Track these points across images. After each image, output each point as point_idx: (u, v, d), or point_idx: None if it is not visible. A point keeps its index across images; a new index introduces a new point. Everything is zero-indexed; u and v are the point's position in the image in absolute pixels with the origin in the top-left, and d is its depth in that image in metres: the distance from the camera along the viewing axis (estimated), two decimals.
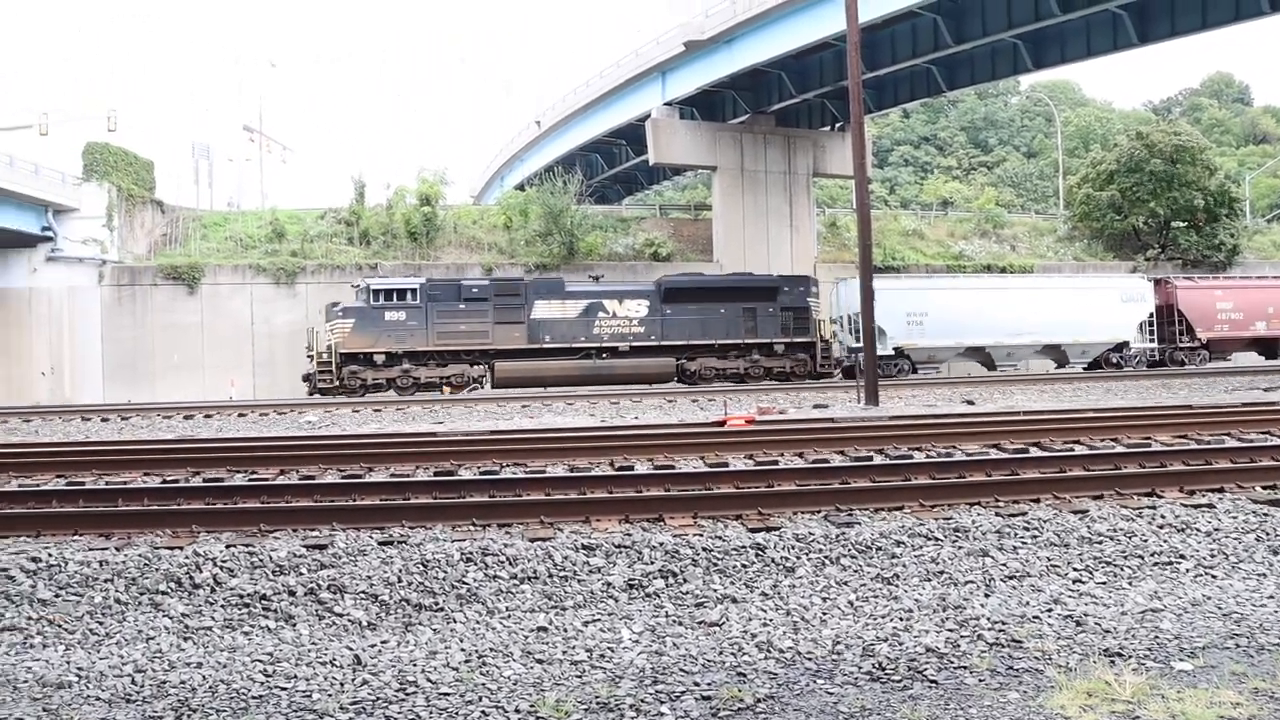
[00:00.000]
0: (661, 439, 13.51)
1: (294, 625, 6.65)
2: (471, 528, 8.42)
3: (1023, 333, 35.81)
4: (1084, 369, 37.08)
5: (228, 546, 7.91)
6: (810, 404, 23.53)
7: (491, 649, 5.98)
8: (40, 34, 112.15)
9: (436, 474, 11.50)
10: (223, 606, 6.98)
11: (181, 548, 7.91)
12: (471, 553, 7.48)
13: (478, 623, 6.58)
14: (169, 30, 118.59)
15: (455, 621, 6.62)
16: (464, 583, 7.12)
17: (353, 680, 5.51)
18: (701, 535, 7.94)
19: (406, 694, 5.27)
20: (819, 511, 8.80)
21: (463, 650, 5.96)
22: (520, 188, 53.29)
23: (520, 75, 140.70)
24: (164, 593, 7.21)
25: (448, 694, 5.24)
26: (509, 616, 6.67)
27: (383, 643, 6.21)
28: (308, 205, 45.30)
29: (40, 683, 5.75)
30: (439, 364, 31.52)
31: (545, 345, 31.87)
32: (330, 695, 5.28)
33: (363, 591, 7.02)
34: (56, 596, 7.25)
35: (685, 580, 7.17)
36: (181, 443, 15.87)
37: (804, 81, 40.69)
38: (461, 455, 12.62)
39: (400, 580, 7.15)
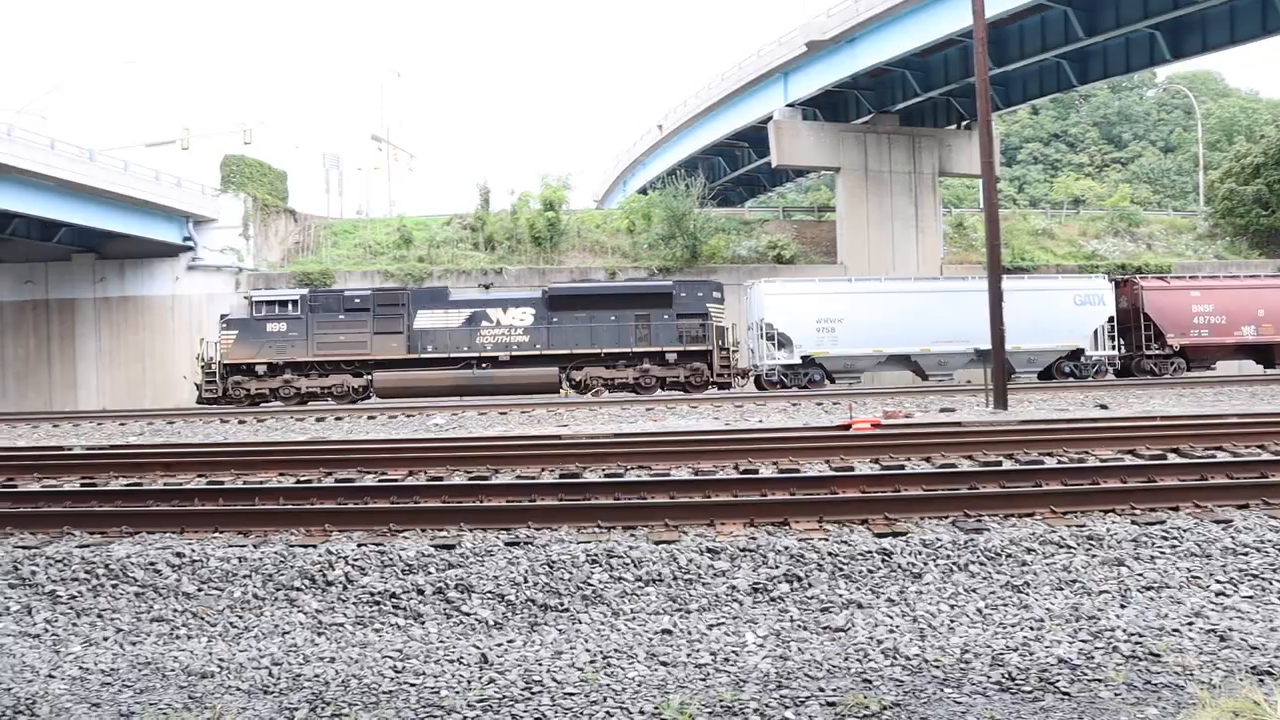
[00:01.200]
0: (786, 442, 13.42)
1: (423, 623, 6.78)
2: (597, 529, 8.48)
3: (954, 339, 32.63)
4: (1038, 378, 33.90)
5: (359, 545, 8.10)
6: (937, 408, 23.11)
7: (616, 650, 6.00)
8: (181, 55, 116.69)
9: (562, 476, 11.60)
10: (354, 604, 7.16)
11: (315, 546, 8.14)
12: (596, 554, 7.53)
13: (602, 624, 6.61)
14: (301, 46, 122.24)
15: (580, 622, 6.67)
16: (589, 584, 7.17)
17: (479, 678, 5.60)
18: (827, 540, 7.85)
19: (532, 693, 5.33)
20: (946, 517, 8.62)
21: (588, 651, 6.00)
22: (643, 191, 53.51)
23: (642, 79, 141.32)
24: (299, 589, 7.43)
25: (572, 694, 5.28)
26: (633, 618, 6.70)
27: (509, 642, 6.29)
28: (434, 211, 46.24)
29: (186, 671, 5.98)
30: (320, 374, 31.99)
31: (425, 355, 31.87)
32: (458, 692, 5.37)
33: (489, 591, 7.13)
34: (199, 590, 7.53)
35: (810, 585, 7.11)
36: (313, 444, 16.33)
37: (928, 79, 40.04)
38: (586, 458, 12.71)
39: (526, 581, 7.23)
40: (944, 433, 14.18)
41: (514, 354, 31.85)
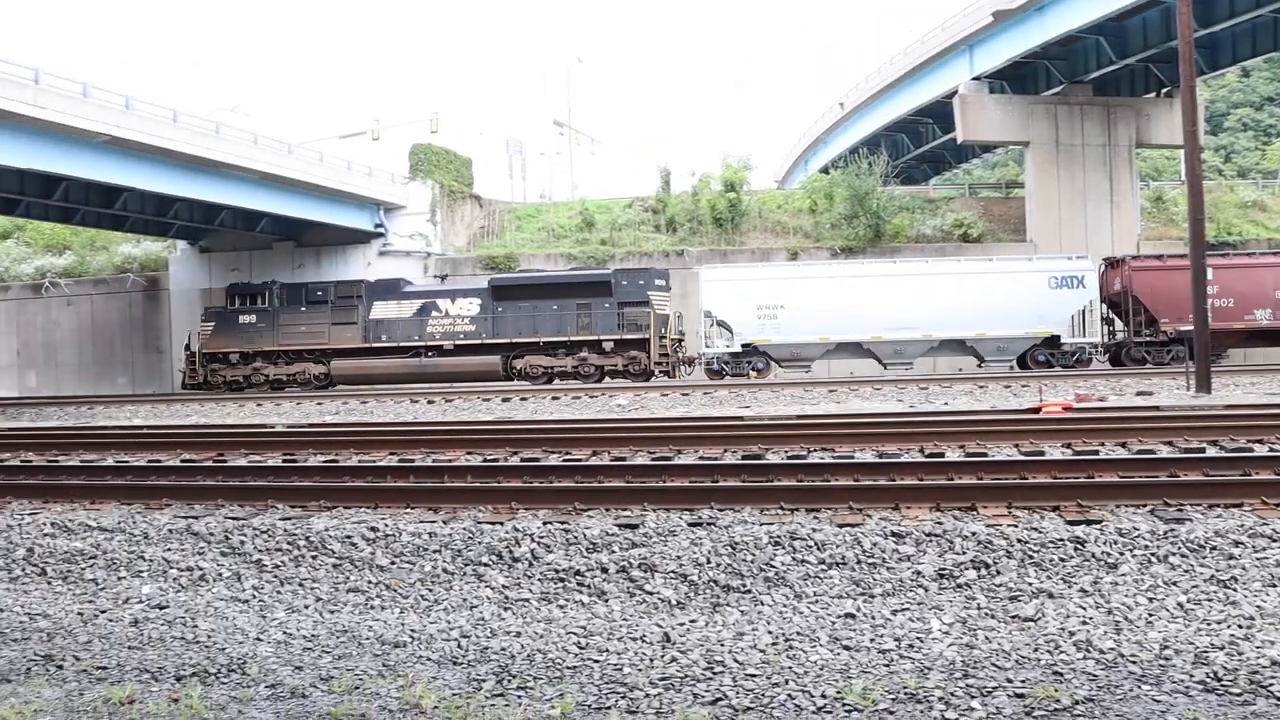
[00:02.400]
0: (972, 425, 13.09)
1: (606, 601, 6.89)
2: (779, 511, 8.44)
3: (910, 326, 31.09)
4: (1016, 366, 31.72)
5: (544, 523, 8.27)
6: (1133, 391, 22.16)
7: (798, 633, 5.97)
8: (370, 49, 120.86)
9: (744, 457, 11.59)
10: (540, 580, 7.32)
11: (502, 523, 8.35)
12: (779, 536, 7.49)
13: (785, 606, 6.59)
14: (484, 35, 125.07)
15: (762, 604, 6.66)
16: (771, 566, 7.15)
17: (662, 657, 5.64)
18: (1016, 526, 7.62)
19: (714, 673, 5.34)
20: (1144, 505, 8.24)
21: (769, 633, 5.99)
22: (825, 170, 52.86)
23: (823, 55, 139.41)
24: (486, 565, 7.64)
25: (754, 675, 5.27)
26: (816, 601, 6.65)
27: (691, 622, 6.33)
28: (615, 195, 46.74)
29: (379, 640, 6.23)
30: (287, 363, 34.21)
31: (379, 345, 33.36)
32: (640, 670, 5.43)
33: (672, 571, 7.18)
34: (392, 564, 7.83)
35: (998, 572, 6.91)
36: (500, 424, 16.76)
37: (1124, 45, 38.12)
38: (768, 439, 12.67)
39: (709, 561, 7.26)
40: (1140, 417, 13.56)
41: (458, 343, 33.08)
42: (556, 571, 7.36)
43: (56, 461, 13.99)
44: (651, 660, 5.60)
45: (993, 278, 31.49)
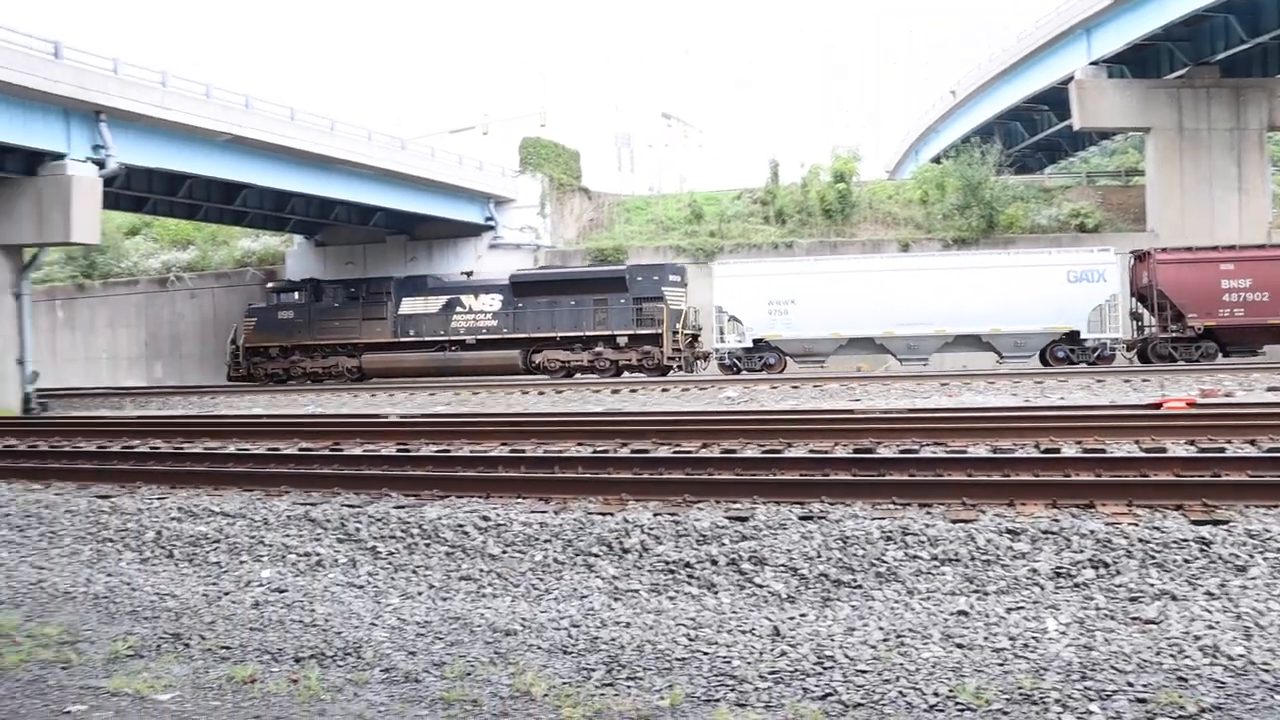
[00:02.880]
0: (1089, 420, 12.77)
1: (715, 593, 6.87)
2: (891, 506, 8.34)
3: (923, 322, 30.23)
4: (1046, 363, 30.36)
5: (655, 515, 8.30)
6: (1263, 386, 21.35)
7: (910, 629, 5.89)
8: (479, 44, 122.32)
9: (855, 451, 11.48)
10: (649, 571, 7.34)
11: (612, 514, 8.39)
12: (891, 531, 7.40)
13: (896, 602, 6.50)
14: (591, 29, 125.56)
15: (873, 599, 6.58)
16: (883, 561, 7.07)
17: (771, 650, 5.61)
18: (1137, 525, 7.40)
19: (824, 668, 5.30)
20: (1276, 506, 7.95)
21: (880, 629, 5.91)
22: (936, 160, 51.92)
23: (932, 43, 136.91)
24: (596, 555, 7.69)
25: (865, 671, 5.21)
26: (928, 598, 6.55)
27: (801, 616, 6.29)
28: (723, 186, 46.54)
29: (491, 628, 6.31)
30: (322, 356, 35.66)
31: (407, 339, 34.64)
32: (749, 663, 5.41)
33: (782, 564, 7.14)
34: (504, 552, 7.93)
35: (1118, 572, 6.72)
36: (610, 415, 16.85)
37: (1256, 22, 36.42)
38: (879, 433, 12.52)
39: (819, 555, 7.20)
40: (1271, 414, 13.07)
41: (480, 338, 34.03)
42: (666, 563, 7.38)
43: (182, 449, 14.47)
44: (761, 653, 5.58)
45: (1008, 272, 30.62)
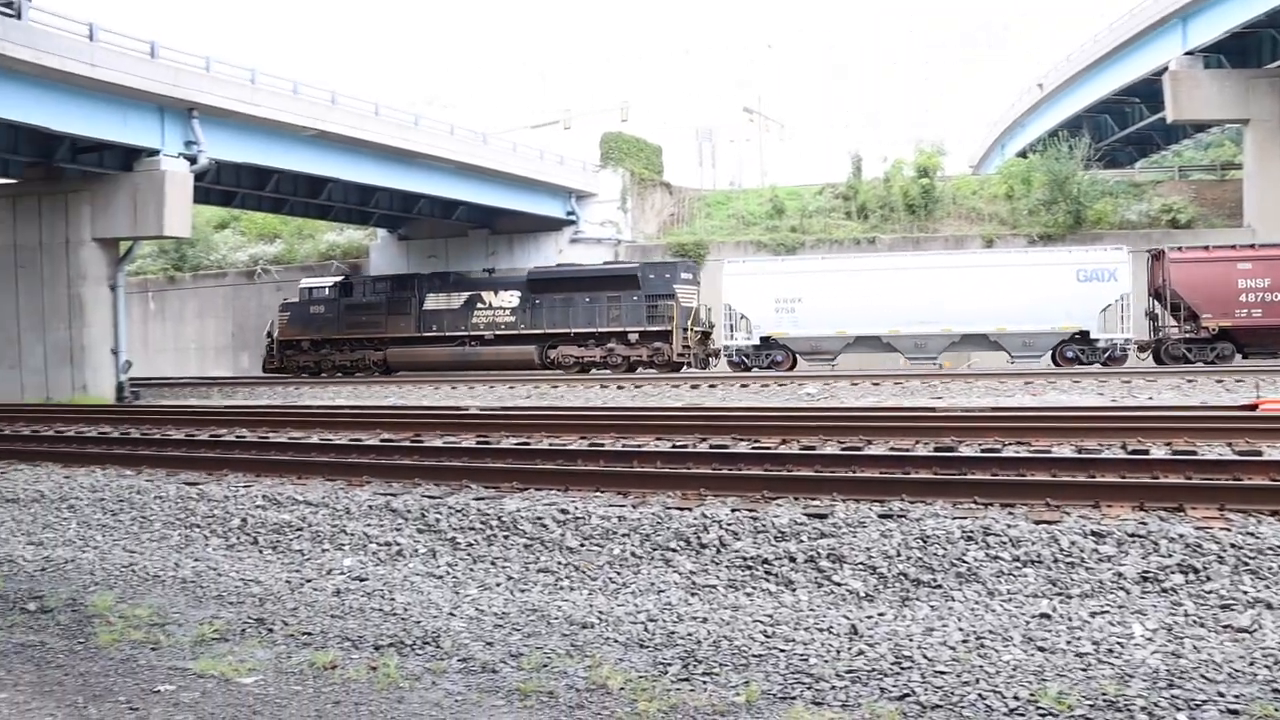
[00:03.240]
0: (1179, 421, 12.47)
1: (793, 590, 6.83)
2: (973, 506, 8.21)
3: (929, 320, 30.04)
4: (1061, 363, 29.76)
5: (733, 510, 8.27)
6: None
7: (990, 631, 5.79)
8: (561, 39, 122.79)
9: (936, 449, 11.33)
10: (727, 567, 7.31)
11: (690, 509, 8.38)
12: (972, 531, 7.29)
13: (976, 603, 6.40)
14: (673, 23, 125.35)
15: (953, 600, 6.49)
16: (963, 561, 6.96)
17: (849, 649, 5.56)
18: (1229, 530, 7.20)
19: (901, 668, 5.23)
20: None
21: (960, 630, 5.83)
22: (1022, 155, 51.05)
23: (1019, 34, 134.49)
24: (674, 550, 7.68)
25: (943, 672, 5.14)
26: (1010, 599, 6.44)
27: (879, 615, 6.22)
28: (805, 181, 46.27)
29: (568, 620, 6.33)
30: (350, 349, 36.92)
31: (429, 334, 35.61)
32: (826, 661, 5.37)
33: (861, 562, 7.07)
34: (582, 545, 7.96)
35: (1209, 578, 6.54)
36: (688, 410, 16.84)
37: None
38: (961, 431, 12.36)
39: (899, 554, 7.12)
40: None
41: (498, 333, 34.79)
42: (744, 559, 7.35)
43: (267, 438, 14.74)
44: (838, 652, 5.53)
45: (1016, 270, 30.34)
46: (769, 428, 13.29)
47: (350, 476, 10.82)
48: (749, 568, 7.25)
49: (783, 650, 5.58)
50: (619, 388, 24.83)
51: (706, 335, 33.63)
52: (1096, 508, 7.97)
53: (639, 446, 12.30)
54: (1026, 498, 8.27)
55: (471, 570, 7.76)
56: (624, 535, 7.99)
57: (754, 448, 11.82)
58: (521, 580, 7.46)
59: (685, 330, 32.46)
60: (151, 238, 29.34)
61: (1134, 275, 30.14)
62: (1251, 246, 30.22)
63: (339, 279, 38.57)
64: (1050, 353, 30.36)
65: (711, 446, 12.06)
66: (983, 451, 10.99)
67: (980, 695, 4.82)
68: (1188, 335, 29.21)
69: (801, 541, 7.49)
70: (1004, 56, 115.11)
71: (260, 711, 4.85)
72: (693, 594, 6.90)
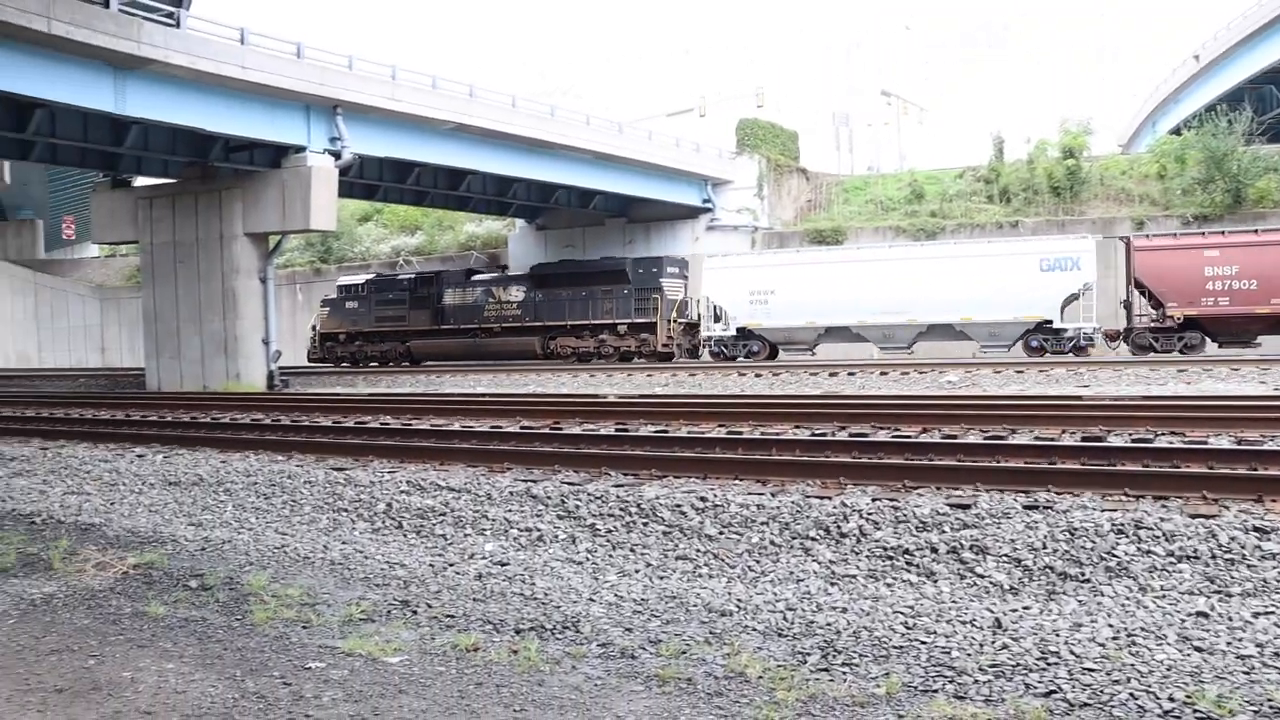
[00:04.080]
0: None
1: (935, 582, 6.71)
2: (1123, 498, 7.94)
3: (896, 311, 30.49)
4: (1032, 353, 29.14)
5: (873, 500, 8.16)
6: None
7: (1142, 629, 5.59)
8: (695, 26, 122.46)
9: (1083, 439, 11.01)
10: (867, 557, 7.23)
11: (830, 498, 8.30)
12: (1123, 524, 7.05)
13: (1127, 599, 6.19)
14: (809, 7, 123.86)
15: (1102, 595, 6.29)
16: (1113, 555, 6.74)
17: (992, 643, 5.44)
18: None
19: (1047, 664, 5.09)
20: None
21: (1110, 626, 5.64)
22: (1175, 132, 49.00)
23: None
24: (813, 539, 7.62)
25: (1092, 670, 4.98)
26: (1163, 596, 6.21)
27: (1024, 609, 6.07)
28: (945, 165, 45.29)
29: (706, 608, 6.34)
30: (379, 341, 39.57)
31: (447, 327, 37.86)
32: (969, 655, 5.25)
33: (1005, 555, 6.91)
34: (720, 534, 7.95)
35: None
36: (828, 398, 16.68)
37: None
38: (1110, 420, 11.99)
39: (1045, 546, 6.93)
40: None
41: (506, 325, 36.94)
42: (885, 549, 7.25)
43: (410, 425, 15.11)
44: (981, 646, 5.41)
45: (978, 261, 30.42)
46: (909, 416, 13.09)
47: (491, 463, 11.01)
48: (889, 558, 7.15)
49: (924, 642, 5.49)
50: (756, 376, 24.70)
51: (693, 326, 35.09)
52: (1259, 502, 7.62)
53: (777, 434, 12.24)
54: (1181, 490, 7.96)
55: (611, 557, 7.83)
56: (763, 523, 7.96)
57: (894, 436, 11.66)
58: (660, 567, 7.49)
59: (669, 321, 34.30)
60: (299, 231, 30.26)
61: (1115, 264, 30.72)
62: (1222, 234, 29.76)
63: (370, 278, 41.30)
64: (1020, 343, 30.16)
65: (851, 435, 11.94)
66: (1133, 442, 10.63)
67: (1132, 695, 4.66)
68: (1153, 325, 29.00)
69: (944, 532, 7.36)
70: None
71: (405, 690, 4.97)
72: (832, 583, 6.84)
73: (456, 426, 14.87)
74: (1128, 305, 30.14)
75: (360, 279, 41.34)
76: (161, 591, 7.11)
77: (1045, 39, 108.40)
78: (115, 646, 5.80)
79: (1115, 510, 7.46)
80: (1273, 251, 27.85)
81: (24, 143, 27.49)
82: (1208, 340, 28.62)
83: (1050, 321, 29.35)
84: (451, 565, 7.71)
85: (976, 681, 4.88)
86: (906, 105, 62.38)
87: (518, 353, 36.44)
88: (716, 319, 33.45)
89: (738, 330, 32.89)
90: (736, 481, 9.36)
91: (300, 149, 27.77)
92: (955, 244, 34.44)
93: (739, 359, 32.43)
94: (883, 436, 11.67)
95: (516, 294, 37.11)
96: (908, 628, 5.75)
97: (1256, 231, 29.94)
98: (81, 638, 5.99)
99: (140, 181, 33.75)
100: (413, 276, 40.35)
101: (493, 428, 14.43)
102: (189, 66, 23.68)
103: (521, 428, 14.32)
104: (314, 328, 41.84)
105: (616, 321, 34.99)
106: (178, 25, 23.61)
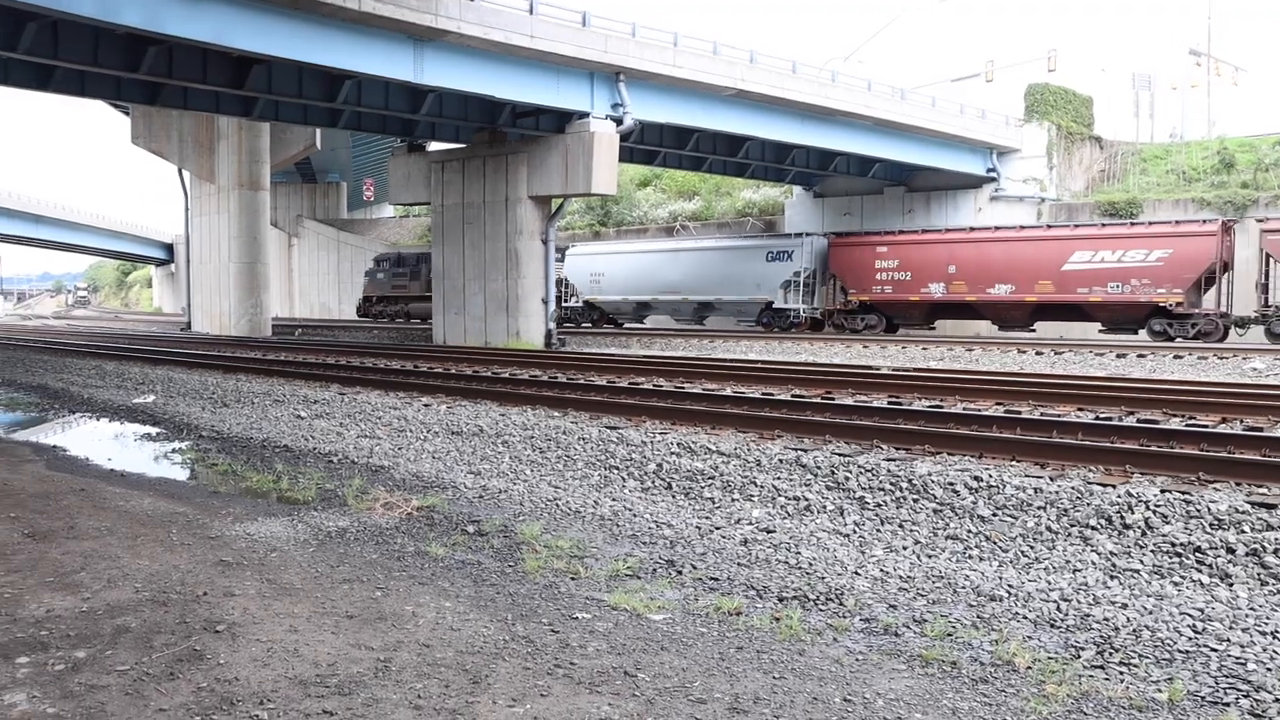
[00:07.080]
0: None
1: (1230, 585, 6.24)
2: None
3: (674, 290, 38.70)
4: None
5: (1162, 491, 7.69)
6: None
7: None
8: None
9: None
10: (1152, 551, 6.82)
11: (1114, 486, 7.87)
12: None
13: None
14: None
15: None
16: None
17: None
18: None
19: None
20: None
21: None
22: None
23: None
24: (1094, 528, 7.25)
25: None
26: None
27: None
28: (1263, 131, 41.76)
29: (975, 591, 6.15)
30: (392, 304, 48.53)
31: (428, 294, 39.33)
32: (1270, 670, 4.84)
33: None
34: (994, 515, 7.69)
35: None
36: (1114, 380, 15.81)
37: None
38: None
39: None
40: None
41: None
42: (1173, 545, 6.81)
43: (683, 388, 15.32)
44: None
45: (724, 253, 38.06)
46: (1205, 404, 12.24)
47: (762, 429, 11.03)
48: (1178, 555, 6.71)
49: (1214, 650, 5.12)
50: (1037, 353, 23.67)
51: (558, 301, 38.91)
52: None
53: (1059, 416, 11.71)
54: None
55: (878, 531, 7.71)
56: (1039, 508, 7.64)
57: (1188, 425, 10.93)
58: (929, 545, 7.32)
59: (558, 298, 38.17)
60: (580, 195, 31.09)
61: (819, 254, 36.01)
62: (892, 233, 35.22)
63: (393, 254, 50.42)
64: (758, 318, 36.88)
65: (1139, 421, 11.28)
66: None
67: None
68: (839, 307, 35.49)
69: (1243, 532, 6.84)
70: None
71: (667, 648, 5.06)
72: (1112, 576, 6.49)
73: (728, 391, 14.97)
74: (802, 288, 35.79)
75: (390, 253, 50.73)
76: (442, 534, 7.53)
77: None
78: (399, 581, 6.19)
79: None
80: (929, 249, 33.26)
81: (334, 111, 29.53)
82: None
83: (772, 302, 36.03)
84: (718, 529, 7.79)
85: (1277, 699, 4.50)
86: (1219, 65, 57.70)
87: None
88: (571, 295, 42.02)
89: (584, 303, 42.08)
90: (1014, 462, 9.02)
91: (583, 115, 28.50)
92: (711, 239, 41.54)
93: (584, 324, 41.79)
94: (1175, 424, 10.96)
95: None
96: (1196, 632, 5.39)
97: (915, 232, 35.29)
98: (370, 570, 6.43)
99: (433, 146, 35.59)
100: (420, 252, 47.86)
101: (764, 394, 14.46)
102: (481, 36, 24.71)
103: (793, 396, 14.28)
104: (364, 291, 51.62)
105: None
106: None
